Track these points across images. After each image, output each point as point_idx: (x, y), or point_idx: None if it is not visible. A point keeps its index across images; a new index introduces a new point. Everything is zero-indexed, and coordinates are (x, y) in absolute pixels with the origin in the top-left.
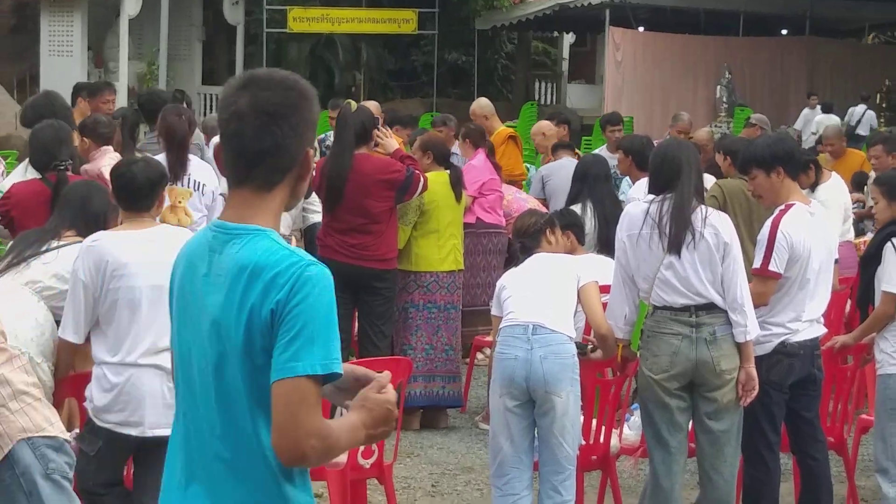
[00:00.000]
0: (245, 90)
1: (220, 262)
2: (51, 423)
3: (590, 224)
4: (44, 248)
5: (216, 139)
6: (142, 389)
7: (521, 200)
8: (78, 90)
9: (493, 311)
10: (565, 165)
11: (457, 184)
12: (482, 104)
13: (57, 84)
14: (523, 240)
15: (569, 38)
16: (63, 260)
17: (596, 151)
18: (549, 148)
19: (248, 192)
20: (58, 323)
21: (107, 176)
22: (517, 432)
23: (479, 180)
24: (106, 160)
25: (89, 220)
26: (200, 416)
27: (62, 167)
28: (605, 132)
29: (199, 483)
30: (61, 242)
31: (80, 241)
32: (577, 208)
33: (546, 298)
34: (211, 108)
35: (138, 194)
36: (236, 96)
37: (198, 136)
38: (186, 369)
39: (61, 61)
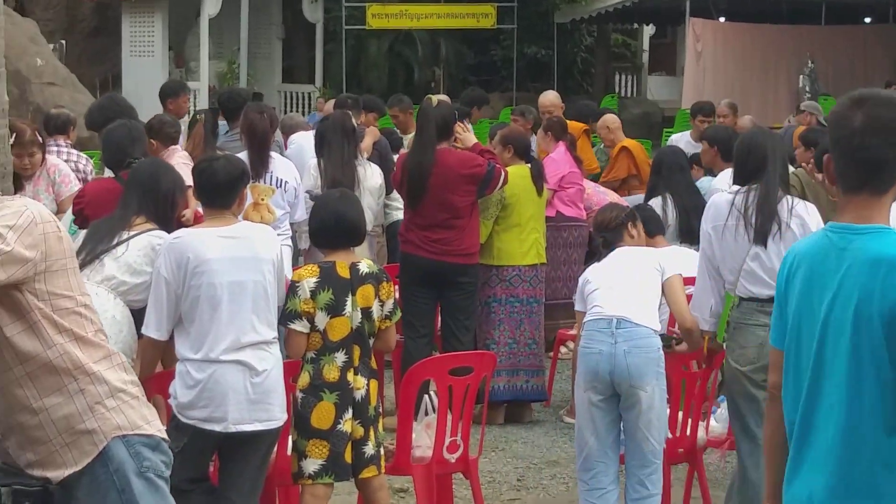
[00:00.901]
0: (859, 108)
1: (852, 258)
2: (147, 422)
3: (671, 216)
4: (114, 242)
5: (295, 136)
6: (225, 385)
7: (601, 194)
8: (166, 94)
9: (577, 307)
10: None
11: (538, 177)
12: (552, 99)
13: (139, 85)
14: (605, 234)
15: (649, 30)
16: (133, 252)
17: (677, 136)
18: (614, 141)
19: (865, 197)
20: (134, 315)
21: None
22: (603, 426)
23: (559, 173)
24: (175, 159)
25: (158, 199)
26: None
27: (135, 165)
28: (694, 120)
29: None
30: (131, 233)
31: (150, 229)
32: (656, 201)
33: (630, 292)
34: (291, 107)
35: (220, 191)
36: (851, 112)
37: (277, 133)
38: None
39: (142, 62)
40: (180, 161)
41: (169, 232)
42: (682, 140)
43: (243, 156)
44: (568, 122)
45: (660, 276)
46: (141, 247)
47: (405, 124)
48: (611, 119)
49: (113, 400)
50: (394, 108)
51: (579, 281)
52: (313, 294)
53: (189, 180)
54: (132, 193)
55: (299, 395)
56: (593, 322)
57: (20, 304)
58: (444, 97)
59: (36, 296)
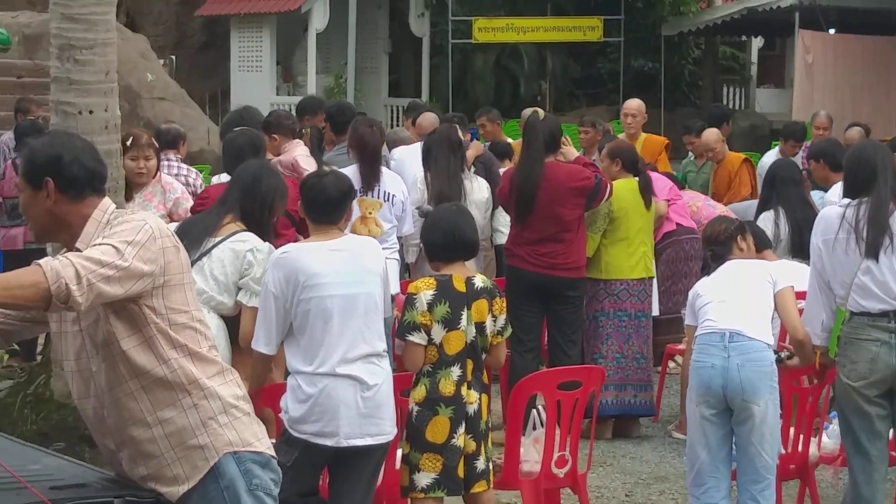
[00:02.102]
0: None
1: None
2: (258, 439)
3: (783, 230)
4: (201, 251)
5: (396, 151)
6: (336, 400)
7: (710, 207)
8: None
9: (688, 321)
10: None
11: (646, 190)
12: (638, 105)
13: (247, 99)
14: (714, 247)
15: (757, 42)
16: (216, 264)
17: (769, 155)
18: (719, 155)
19: None
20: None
21: (302, 164)
22: (714, 441)
23: (665, 186)
24: (298, 150)
25: (255, 200)
26: None
27: (242, 165)
28: (785, 144)
29: None
30: (215, 239)
31: (235, 232)
32: (768, 214)
33: (743, 305)
34: (397, 121)
35: (328, 206)
36: None
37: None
38: None
39: (251, 76)
40: (303, 153)
41: (262, 236)
42: (771, 159)
43: (351, 170)
44: (650, 136)
45: (772, 288)
46: (224, 257)
47: (492, 135)
48: (718, 133)
49: (225, 416)
50: (481, 118)
51: (689, 295)
52: (430, 306)
53: (311, 170)
54: (232, 191)
55: (414, 408)
56: (706, 336)
57: (137, 318)
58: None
59: (153, 310)
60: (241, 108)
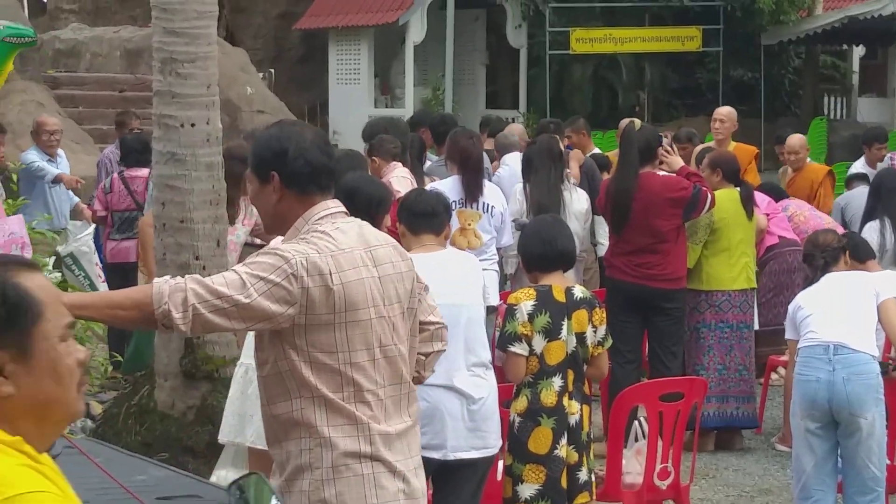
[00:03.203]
0: None
1: None
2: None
3: (889, 239)
4: None
5: (508, 157)
6: (443, 412)
7: (817, 218)
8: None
9: (788, 335)
10: (857, 196)
11: (748, 201)
12: (728, 112)
13: (345, 112)
14: (825, 255)
15: (858, 51)
16: None
17: (857, 164)
18: (801, 162)
19: None
20: None
21: (396, 187)
22: (821, 454)
23: (764, 199)
24: (396, 173)
25: (354, 209)
26: None
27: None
28: (870, 148)
29: None
30: None
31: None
32: (874, 224)
33: (847, 317)
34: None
35: (428, 217)
36: None
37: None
38: None
39: (349, 89)
40: (400, 175)
41: None
42: (858, 166)
43: (452, 181)
44: (739, 145)
45: (875, 299)
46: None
47: (579, 146)
48: (803, 139)
49: (332, 471)
50: (568, 129)
51: (790, 308)
52: (531, 317)
53: (404, 192)
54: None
55: (516, 419)
56: (809, 348)
57: (276, 349)
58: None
59: (294, 347)
60: (385, 119)
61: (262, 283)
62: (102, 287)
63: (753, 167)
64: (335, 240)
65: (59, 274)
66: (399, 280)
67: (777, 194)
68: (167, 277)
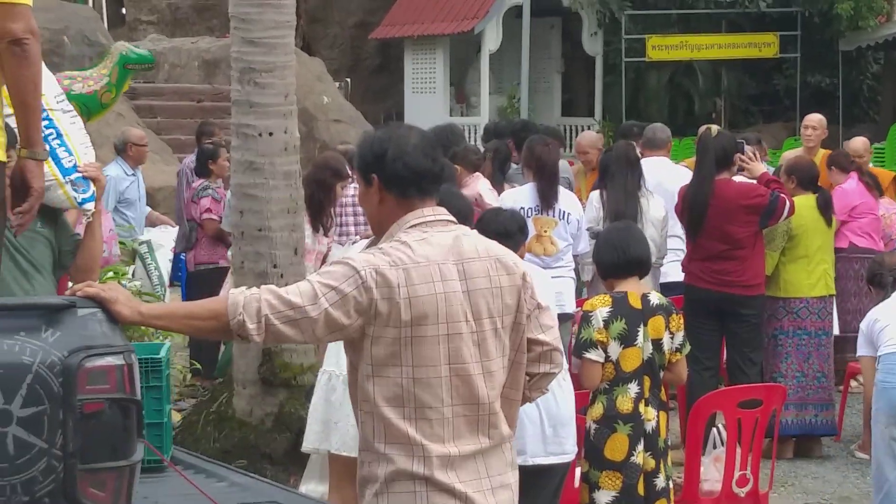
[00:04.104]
0: None
1: None
2: None
3: None
4: None
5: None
6: (522, 418)
7: None
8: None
9: (862, 351)
10: None
11: (825, 207)
12: (820, 118)
13: (420, 120)
14: (893, 273)
15: None
16: None
17: None
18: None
19: None
20: None
21: (485, 198)
22: None
23: (849, 204)
24: (481, 183)
25: None
26: None
27: None
28: None
29: None
30: None
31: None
32: None
33: None
34: (570, 141)
35: (503, 239)
36: None
37: (567, 170)
38: None
39: (424, 98)
40: (486, 188)
41: None
42: None
43: (528, 188)
44: (875, 169)
45: None
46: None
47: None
48: (866, 142)
49: (385, 485)
50: (752, 144)
51: (863, 325)
52: (606, 323)
53: (496, 205)
54: None
55: (592, 426)
56: (892, 356)
57: (349, 358)
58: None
59: (361, 359)
60: (446, 126)
61: (332, 293)
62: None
63: (892, 189)
64: (413, 251)
65: (138, 283)
66: (494, 295)
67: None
68: (243, 288)
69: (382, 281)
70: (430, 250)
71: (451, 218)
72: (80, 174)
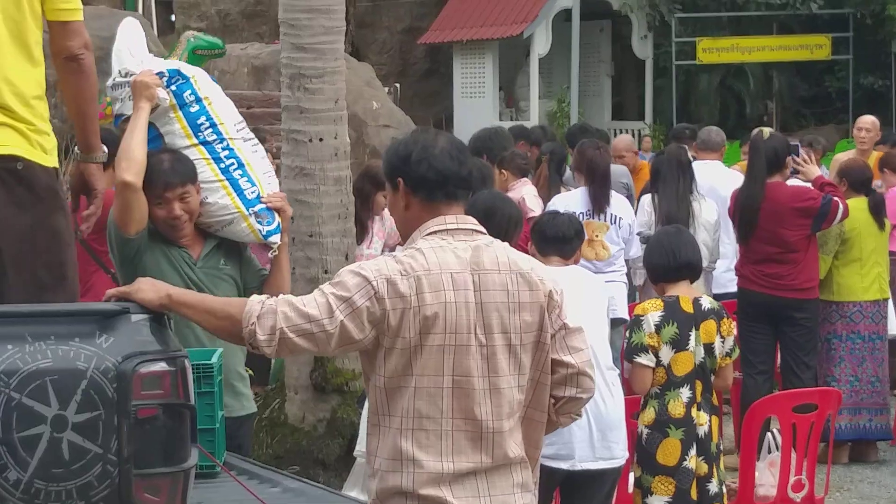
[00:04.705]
0: None
1: None
2: None
3: None
4: None
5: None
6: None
7: None
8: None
9: None
10: None
11: (877, 210)
12: (873, 120)
13: (469, 125)
14: None
15: None
16: None
17: None
18: None
19: None
20: None
21: (529, 204)
22: None
23: None
24: (526, 189)
25: (491, 230)
26: None
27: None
28: None
29: None
30: None
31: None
32: None
33: None
34: None
35: (559, 242)
36: None
37: (625, 174)
38: None
39: (474, 102)
40: (531, 194)
41: None
42: None
43: (580, 192)
44: None
45: None
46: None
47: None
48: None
49: (377, 502)
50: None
51: None
52: (658, 328)
53: (538, 212)
54: None
55: (644, 430)
56: None
57: (369, 366)
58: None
59: (372, 369)
60: (491, 129)
61: (345, 305)
62: None
63: None
64: (427, 258)
65: None
66: (511, 310)
67: None
68: (264, 297)
69: (394, 291)
70: (446, 258)
71: (478, 227)
72: (263, 205)
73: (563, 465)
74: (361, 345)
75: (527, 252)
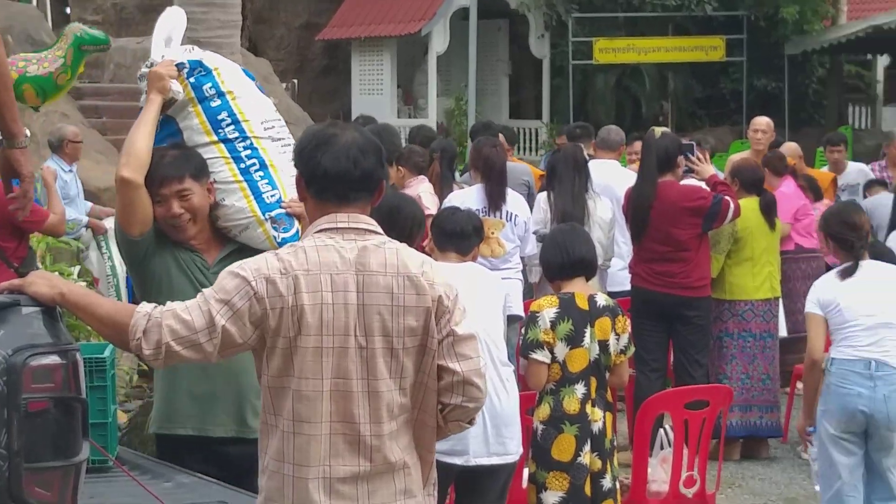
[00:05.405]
0: None
1: None
2: None
3: None
4: None
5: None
6: None
7: None
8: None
9: (811, 308)
10: (883, 202)
11: (768, 210)
12: (767, 121)
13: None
14: (862, 241)
15: (883, 61)
16: None
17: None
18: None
19: None
20: None
21: (424, 202)
22: (854, 462)
23: (792, 207)
24: (422, 188)
25: (395, 229)
26: None
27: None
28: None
29: None
30: None
31: None
32: None
33: (887, 327)
34: (522, 143)
35: (457, 238)
36: None
37: (526, 172)
38: None
39: (372, 100)
40: (427, 191)
41: None
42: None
43: (476, 189)
44: (814, 170)
45: None
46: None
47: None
48: (795, 147)
49: (264, 500)
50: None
51: (822, 289)
52: (553, 324)
53: (434, 209)
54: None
55: (539, 426)
56: (849, 362)
57: (259, 365)
58: (665, 130)
59: (262, 369)
60: (380, 126)
61: (226, 309)
62: (121, 273)
63: (831, 190)
64: (308, 257)
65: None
66: (395, 313)
67: (816, 196)
68: (151, 307)
69: (273, 290)
70: (329, 258)
71: (372, 227)
72: (283, 210)
73: (458, 461)
74: (247, 346)
75: (423, 250)
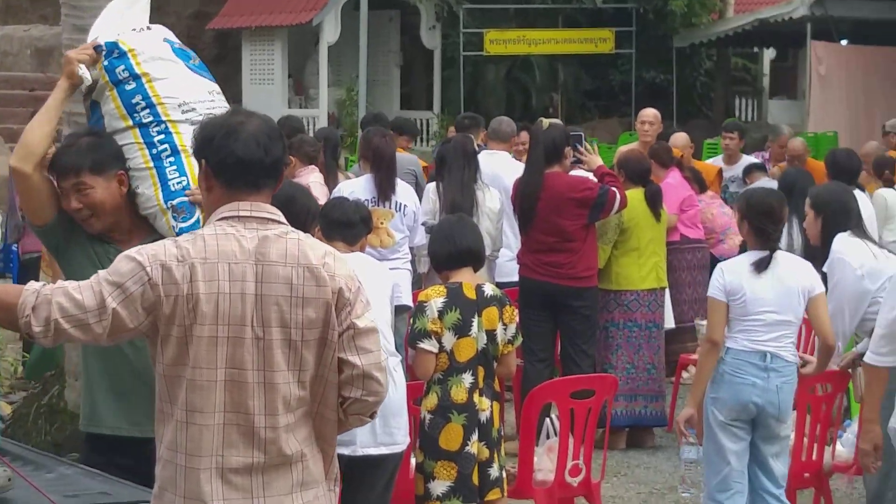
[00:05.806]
0: None
1: None
2: None
3: (796, 239)
4: None
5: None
6: None
7: (724, 216)
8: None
9: (714, 293)
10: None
11: (653, 201)
12: (654, 113)
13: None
14: (778, 232)
15: (769, 54)
16: None
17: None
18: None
19: None
20: None
21: (314, 192)
22: (741, 449)
23: (679, 198)
24: (312, 178)
25: (290, 219)
26: None
27: None
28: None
29: None
30: None
31: None
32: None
33: (785, 322)
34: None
35: (344, 227)
36: None
37: (414, 162)
38: None
39: (263, 89)
40: (316, 181)
41: None
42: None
43: (365, 179)
44: (700, 162)
45: (807, 296)
46: None
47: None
48: (685, 137)
49: (159, 491)
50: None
51: (726, 275)
52: (441, 314)
53: (324, 199)
54: None
55: (427, 416)
56: (745, 353)
57: (153, 352)
58: (556, 121)
59: (156, 357)
60: (283, 117)
61: (118, 292)
62: None
63: (716, 183)
64: (206, 245)
65: None
66: (293, 304)
67: (701, 188)
68: (41, 284)
69: (168, 277)
70: (227, 246)
71: (275, 216)
72: (185, 199)
73: (345, 451)
74: (137, 331)
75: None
